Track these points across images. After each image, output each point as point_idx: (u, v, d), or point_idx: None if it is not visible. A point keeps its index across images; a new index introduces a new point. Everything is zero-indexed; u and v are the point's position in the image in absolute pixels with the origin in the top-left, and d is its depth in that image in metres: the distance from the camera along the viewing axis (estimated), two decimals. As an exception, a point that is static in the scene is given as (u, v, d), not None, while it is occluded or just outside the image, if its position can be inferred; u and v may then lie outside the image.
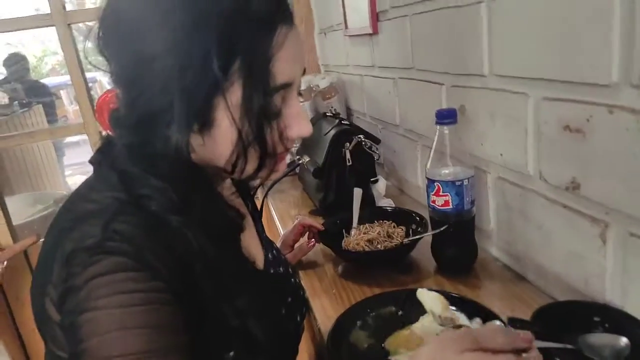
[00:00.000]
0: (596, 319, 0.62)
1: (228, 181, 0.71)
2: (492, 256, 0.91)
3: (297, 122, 0.54)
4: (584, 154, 0.63)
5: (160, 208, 0.48)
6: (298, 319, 0.68)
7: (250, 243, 0.67)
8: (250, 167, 0.53)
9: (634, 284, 0.59)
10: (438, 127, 0.83)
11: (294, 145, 0.56)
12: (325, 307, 0.81)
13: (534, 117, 0.71)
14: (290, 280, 0.72)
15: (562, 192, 0.69)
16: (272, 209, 1.35)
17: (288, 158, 1.65)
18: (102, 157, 0.53)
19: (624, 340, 0.57)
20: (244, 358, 0.53)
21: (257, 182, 0.62)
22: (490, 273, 0.85)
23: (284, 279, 0.71)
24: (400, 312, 0.75)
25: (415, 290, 0.79)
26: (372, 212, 1.06)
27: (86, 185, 0.53)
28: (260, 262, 0.67)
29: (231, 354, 0.52)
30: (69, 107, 6.41)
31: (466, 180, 0.81)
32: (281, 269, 0.71)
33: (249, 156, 0.51)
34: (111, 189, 0.49)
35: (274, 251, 0.73)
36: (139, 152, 0.50)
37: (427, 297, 0.65)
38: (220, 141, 0.51)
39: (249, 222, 0.71)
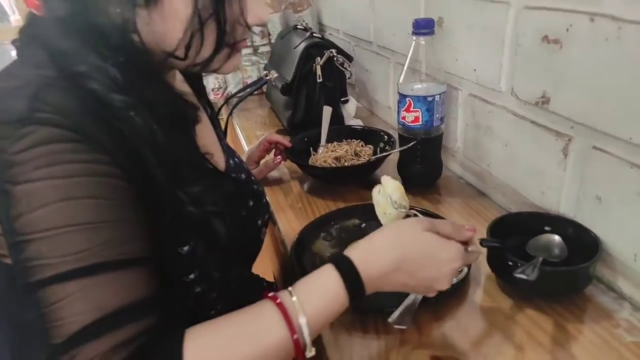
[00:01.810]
0: (547, 228, 0.64)
1: (180, 77, 0.66)
2: (456, 174, 0.92)
3: (257, 6, 0.49)
4: (558, 66, 0.61)
5: (101, 87, 0.42)
6: (259, 223, 0.67)
7: (209, 143, 0.63)
8: (206, 51, 0.48)
9: (587, 196, 0.61)
10: (414, 38, 0.79)
11: (253, 34, 0.50)
12: (290, 220, 0.81)
13: (513, 28, 0.68)
14: (252, 187, 0.69)
15: (531, 107, 0.68)
16: (237, 128, 1.31)
17: (252, 70, 1.57)
18: (26, 37, 0.47)
19: (556, 238, 0.61)
20: (202, 252, 0.51)
21: (211, 71, 0.56)
22: (453, 190, 0.87)
23: (245, 184, 0.68)
24: (363, 225, 0.76)
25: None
26: (340, 131, 1.04)
27: (6, 68, 0.46)
28: (220, 165, 0.64)
29: (186, 248, 0.49)
30: None
31: (438, 96, 0.79)
32: (243, 175, 0.68)
33: (205, 36, 0.46)
34: (38, 67, 0.43)
35: (236, 159, 0.70)
36: (75, 26, 0.44)
37: (389, 184, 0.66)
38: (170, 18, 0.45)
39: (205, 121, 0.66)
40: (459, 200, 0.83)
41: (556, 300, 0.58)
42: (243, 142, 1.22)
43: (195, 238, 0.50)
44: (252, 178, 0.71)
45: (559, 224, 0.64)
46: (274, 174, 0.98)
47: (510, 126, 0.73)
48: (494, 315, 0.57)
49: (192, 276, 0.51)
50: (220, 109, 1.32)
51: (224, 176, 0.63)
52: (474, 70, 0.80)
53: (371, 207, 0.78)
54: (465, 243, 0.52)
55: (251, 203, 0.65)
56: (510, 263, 0.57)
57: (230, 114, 1.29)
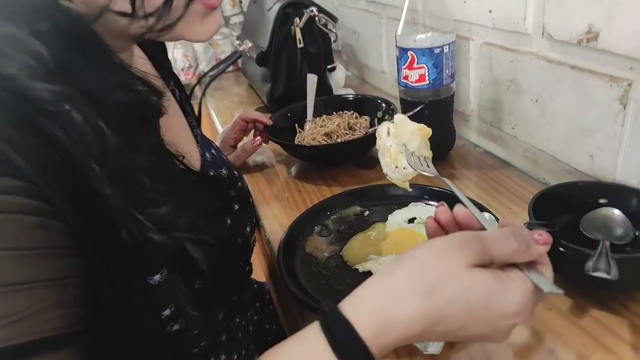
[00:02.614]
0: (602, 200, 0.50)
1: (138, 53, 0.51)
2: (471, 142, 0.77)
3: None
4: (612, -13, 0.46)
5: (20, 70, 0.29)
6: (247, 230, 0.53)
7: (180, 138, 0.50)
8: (159, 1, 0.33)
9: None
10: (412, -24, 0.63)
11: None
12: (277, 215, 0.67)
13: (541, -55, 0.53)
14: (237, 185, 0.55)
15: (571, 48, 0.53)
16: (212, 111, 1.14)
17: (224, 44, 1.39)
18: None
19: (616, 213, 0.47)
20: (177, 282, 0.39)
21: (176, 36, 0.41)
22: (469, 161, 0.73)
23: (227, 182, 0.54)
24: (367, 212, 0.62)
25: (381, 185, 0.66)
26: (329, 102, 0.89)
27: None
28: (195, 163, 0.50)
29: (157, 277, 0.38)
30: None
31: (446, 47, 0.64)
32: (224, 170, 0.54)
33: None
34: None
35: (213, 150, 0.56)
36: None
37: (406, 125, 0.46)
38: None
39: (174, 109, 0.53)
40: (479, 173, 0.68)
41: (629, 296, 0.44)
42: (219, 126, 1.06)
43: (168, 266, 0.38)
44: (235, 172, 0.56)
45: (619, 194, 0.50)
46: (254, 157, 0.83)
47: (542, 76, 0.58)
48: (547, 318, 0.43)
49: (166, 312, 0.39)
50: (192, 90, 1.16)
51: (200, 177, 0.49)
52: (490, 11, 0.64)
53: (374, 190, 0.64)
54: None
55: (236, 207, 0.51)
56: (563, 250, 0.43)
57: (203, 94, 1.13)
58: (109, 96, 0.33)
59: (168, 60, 0.59)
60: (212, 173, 0.52)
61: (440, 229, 0.38)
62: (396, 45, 0.66)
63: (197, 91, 1.19)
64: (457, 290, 0.30)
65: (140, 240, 0.34)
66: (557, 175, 0.60)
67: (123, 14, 0.33)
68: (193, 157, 0.50)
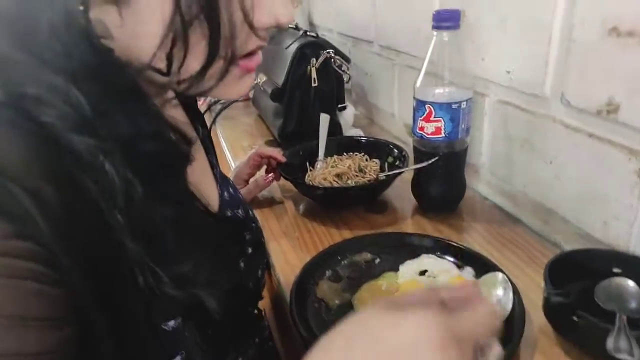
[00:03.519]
0: (616, 270, 0.51)
1: (171, 97, 0.51)
2: (480, 194, 0.78)
3: (274, 0, 0.34)
4: (633, 65, 0.48)
5: (59, 120, 0.29)
6: (259, 274, 0.53)
7: (202, 179, 0.49)
8: (193, 64, 0.33)
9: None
10: (435, 33, 0.65)
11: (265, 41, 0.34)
12: (286, 253, 0.66)
13: (564, 18, 0.55)
14: (251, 226, 0.55)
15: (590, 117, 0.55)
16: (221, 139, 1.15)
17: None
18: None
19: (630, 285, 0.47)
20: (191, 327, 0.38)
21: (208, 97, 0.42)
22: (478, 213, 0.73)
23: (243, 224, 0.54)
24: (377, 260, 0.62)
25: (393, 233, 0.66)
26: (340, 143, 0.90)
27: None
28: (214, 204, 0.49)
29: (172, 323, 0.37)
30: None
31: (464, 102, 0.66)
32: (240, 211, 0.54)
33: (191, 41, 0.32)
34: None
35: (231, 189, 0.55)
36: (21, 27, 0.30)
37: None
38: (145, 15, 0.31)
39: (199, 151, 0.52)
40: (488, 227, 0.69)
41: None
42: (228, 154, 1.07)
43: (183, 313, 0.37)
44: (250, 212, 0.56)
45: (634, 264, 0.50)
46: (264, 192, 0.83)
47: (558, 139, 0.60)
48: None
49: (178, 358, 0.38)
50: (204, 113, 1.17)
51: (218, 220, 0.48)
52: (507, 72, 0.66)
53: (386, 238, 0.64)
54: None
55: (250, 250, 0.50)
56: (577, 320, 0.44)
57: (213, 122, 1.13)
58: (141, 145, 0.32)
59: (196, 100, 0.59)
60: (229, 214, 0.51)
61: None
62: (414, 97, 0.68)
63: (207, 118, 1.20)
64: (365, 344, 0.28)
65: (157, 293, 0.34)
66: (568, 237, 0.61)
67: (157, 72, 0.33)
68: (212, 198, 0.50)
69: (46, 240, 0.26)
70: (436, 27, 0.65)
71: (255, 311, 0.79)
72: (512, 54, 0.65)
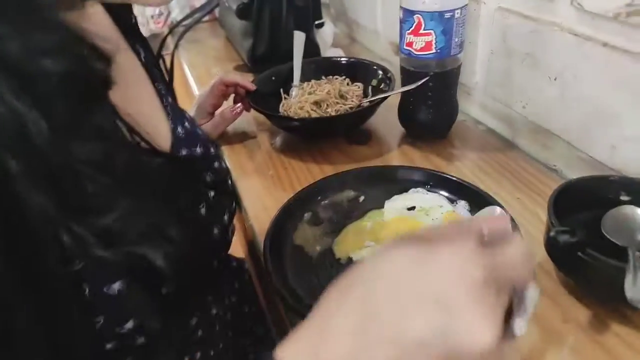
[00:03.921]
0: (624, 197, 0.46)
1: (98, 9, 0.41)
2: (473, 118, 0.71)
3: None
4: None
5: None
6: (226, 219, 0.46)
7: (145, 111, 0.42)
8: None
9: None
10: None
11: None
12: (260, 195, 0.60)
13: None
14: (213, 165, 0.48)
15: (605, 22, 0.46)
16: (185, 66, 1.03)
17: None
18: None
19: None
20: (138, 289, 0.33)
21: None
22: (471, 139, 0.67)
23: (203, 163, 0.47)
24: (362, 198, 0.56)
25: (378, 167, 0.60)
26: (318, 65, 0.80)
27: None
28: (164, 142, 0.42)
29: (116, 285, 0.32)
30: None
31: (458, 11, 0.56)
32: (199, 148, 0.46)
33: None
34: None
35: (187, 123, 0.47)
36: None
37: None
38: None
39: (138, 75, 0.44)
40: (482, 154, 0.63)
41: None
42: (192, 83, 0.96)
43: (126, 275, 0.32)
44: (212, 149, 0.48)
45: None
46: (235, 125, 0.75)
47: (566, 51, 0.52)
48: (564, 333, 0.39)
49: (128, 325, 0.34)
50: (163, 42, 1.04)
51: (170, 160, 0.41)
52: (510, -30, 0.56)
53: (370, 172, 0.58)
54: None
55: (212, 194, 0.43)
56: (586, 258, 0.39)
57: (176, 47, 1.01)
58: (34, 64, 0.24)
59: (132, 13, 0.48)
60: (184, 152, 0.44)
61: None
62: (400, 6, 0.58)
63: (169, 42, 1.07)
64: (379, 273, 0.25)
65: (82, 257, 0.27)
66: (569, 163, 0.56)
67: None
68: (161, 134, 0.42)
69: None
70: None
71: (234, 263, 0.75)
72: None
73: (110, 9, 0.44)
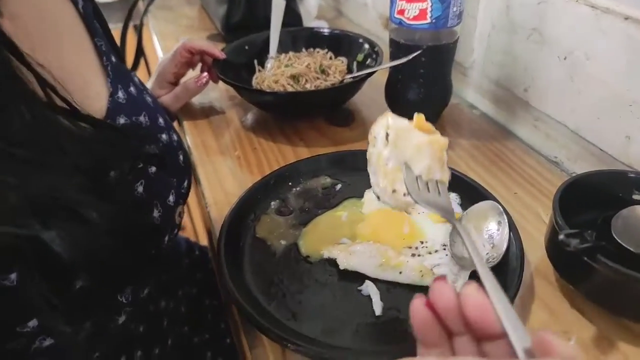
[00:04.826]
0: (637, 196, 0.40)
1: None
2: (466, 102, 0.64)
3: None
4: None
5: None
6: (170, 200, 0.39)
7: (77, 69, 0.36)
8: None
9: None
10: None
11: None
12: (223, 179, 0.52)
13: None
14: (159, 137, 0.40)
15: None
16: (154, 35, 0.93)
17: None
18: None
19: None
20: (36, 284, 0.28)
21: None
22: (464, 125, 0.60)
23: (146, 135, 0.39)
24: (338, 186, 0.49)
25: (359, 152, 0.52)
26: (299, 36, 0.72)
27: None
28: (97, 104, 0.36)
29: (13, 277, 0.27)
30: None
31: (458, -26, 0.48)
32: (143, 118, 0.39)
33: None
34: None
35: (132, 88, 0.40)
36: None
37: (411, 136, 0.32)
38: None
39: (71, 27, 0.37)
40: (476, 142, 0.56)
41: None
42: (159, 52, 0.86)
43: (21, 263, 0.27)
44: (161, 119, 0.41)
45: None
46: (201, 98, 0.66)
47: (579, 26, 0.45)
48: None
49: (32, 324, 0.29)
50: (133, 6, 0.94)
51: (99, 127, 0.34)
52: None
53: (349, 157, 0.51)
54: None
55: (154, 169, 0.36)
56: (593, 264, 0.33)
57: (145, 13, 0.91)
58: None
59: None
60: (122, 121, 0.37)
61: (432, 318, 0.23)
62: (392, -32, 0.50)
63: (141, 6, 0.97)
64: None
65: None
66: (574, 154, 0.49)
67: None
68: (93, 97, 0.36)
69: None
70: None
71: (197, 252, 0.67)
72: None
73: None
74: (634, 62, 0.41)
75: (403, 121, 0.32)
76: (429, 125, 0.33)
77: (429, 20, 0.50)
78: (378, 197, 0.34)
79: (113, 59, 0.40)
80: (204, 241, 0.78)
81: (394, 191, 0.32)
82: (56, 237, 0.26)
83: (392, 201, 0.32)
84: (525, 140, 0.56)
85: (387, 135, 0.32)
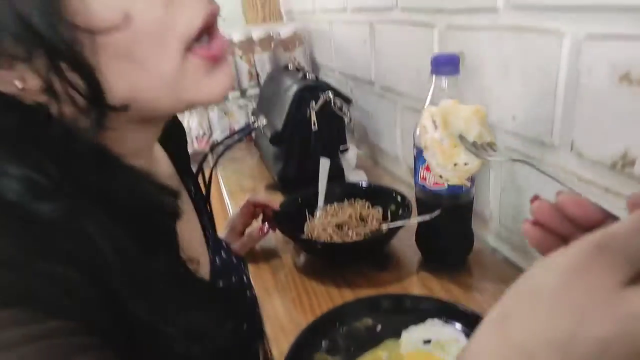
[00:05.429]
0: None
1: (160, 153, 0.49)
2: (490, 246, 0.73)
3: None
4: (649, 117, 0.44)
5: (20, 192, 0.28)
6: (257, 349, 0.49)
7: (192, 243, 0.46)
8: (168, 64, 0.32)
9: None
10: (434, 78, 0.62)
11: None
12: (280, 316, 0.61)
13: (569, 63, 0.52)
14: (245, 295, 0.51)
15: (604, 170, 0.50)
16: (221, 182, 1.12)
17: (239, 114, 1.40)
18: None
19: None
20: None
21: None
22: (488, 269, 0.68)
23: (237, 294, 0.50)
24: (378, 327, 0.57)
25: (396, 295, 0.61)
26: (341, 189, 0.86)
27: None
28: (205, 270, 0.46)
29: None
30: None
31: (467, 151, 0.62)
32: (234, 278, 0.50)
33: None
34: None
35: (223, 253, 0.51)
36: None
37: (458, 112, 0.38)
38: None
39: (188, 210, 0.49)
40: (499, 284, 0.64)
41: None
42: (225, 197, 1.04)
43: None
44: (244, 277, 0.52)
45: None
46: (260, 242, 0.79)
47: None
48: None
49: None
50: (204, 158, 1.15)
51: (210, 290, 0.45)
52: (513, 117, 0.63)
53: (388, 300, 0.59)
54: None
55: (245, 325, 0.46)
56: None
57: (215, 164, 1.11)
58: (120, 201, 0.31)
59: (188, 156, 0.56)
60: (221, 283, 0.47)
61: (547, 233, 0.27)
62: (414, 145, 0.64)
63: (210, 159, 1.18)
64: (611, 327, 0.20)
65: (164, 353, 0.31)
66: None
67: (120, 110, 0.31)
68: (203, 264, 0.46)
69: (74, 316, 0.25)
70: (434, 72, 0.62)
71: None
72: (516, 99, 0.61)
73: (171, 153, 0.51)
74: (618, 224, 0.50)
75: (444, 103, 0.40)
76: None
77: (446, 187, 0.63)
78: (440, 176, 0.39)
79: (211, 231, 0.52)
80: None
81: (455, 165, 0.37)
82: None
83: (455, 173, 0.38)
84: (545, 283, 0.62)
85: (435, 122, 0.39)
